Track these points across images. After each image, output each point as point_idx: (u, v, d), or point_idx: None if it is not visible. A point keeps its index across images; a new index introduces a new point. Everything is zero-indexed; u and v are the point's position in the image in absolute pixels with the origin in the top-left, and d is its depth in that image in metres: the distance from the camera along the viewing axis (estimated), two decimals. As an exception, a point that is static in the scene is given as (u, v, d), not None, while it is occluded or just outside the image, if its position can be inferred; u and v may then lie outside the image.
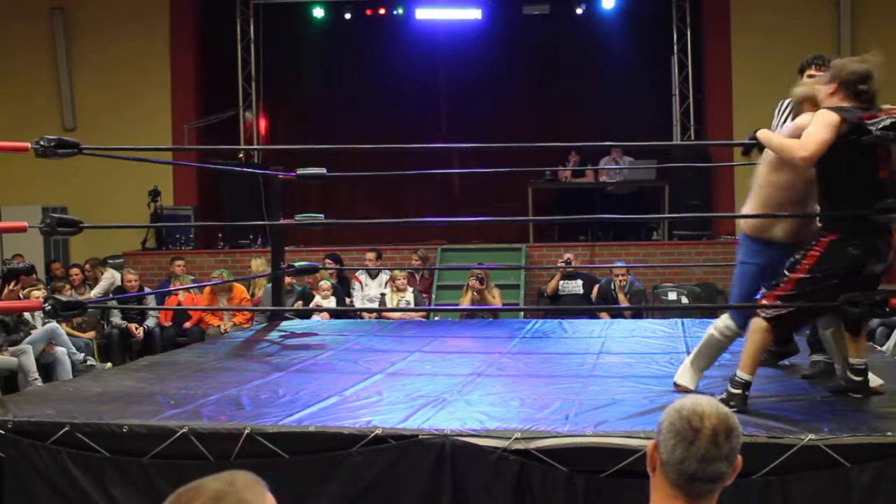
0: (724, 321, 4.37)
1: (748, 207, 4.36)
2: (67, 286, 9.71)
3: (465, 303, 9.33)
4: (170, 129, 12.74)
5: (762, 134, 4.04)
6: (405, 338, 6.71)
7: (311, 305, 9.11)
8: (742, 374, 3.99)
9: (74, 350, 8.50)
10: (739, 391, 3.96)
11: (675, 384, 4.43)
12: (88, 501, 3.76)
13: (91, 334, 9.31)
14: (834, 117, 3.78)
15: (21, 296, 7.64)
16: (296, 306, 8.73)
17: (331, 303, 9.20)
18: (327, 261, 10.29)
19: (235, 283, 9.69)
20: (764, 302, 4.00)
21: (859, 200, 3.88)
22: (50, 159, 4.57)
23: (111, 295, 10.04)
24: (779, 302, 3.96)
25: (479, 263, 10.33)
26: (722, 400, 3.80)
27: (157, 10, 12.87)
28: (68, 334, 8.64)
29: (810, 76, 4.43)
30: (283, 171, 8.55)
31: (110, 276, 10.36)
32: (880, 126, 3.76)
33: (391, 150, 5.41)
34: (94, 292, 10.12)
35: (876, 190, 3.89)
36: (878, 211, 3.83)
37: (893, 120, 3.76)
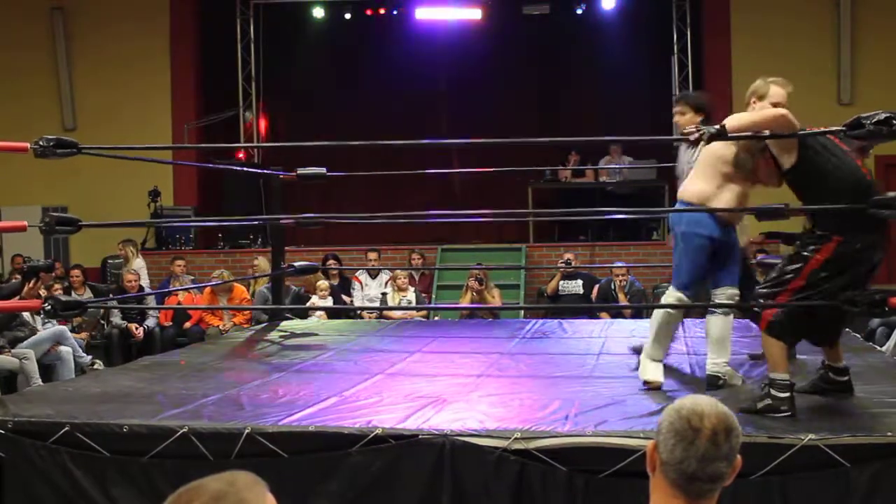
0: (674, 295, 4.52)
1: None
2: (58, 285, 9.68)
3: (465, 303, 9.33)
4: (170, 129, 12.75)
5: (730, 120, 4.11)
6: (405, 338, 6.71)
7: (310, 304, 9.11)
8: (781, 375, 3.93)
9: (82, 353, 8.49)
10: (787, 394, 3.89)
11: (644, 382, 4.47)
12: (88, 501, 3.76)
13: (84, 335, 9.30)
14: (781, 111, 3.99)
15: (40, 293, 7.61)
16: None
17: (328, 303, 9.20)
18: (331, 261, 10.30)
19: (235, 284, 9.69)
20: (766, 313, 3.97)
21: (849, 198, 3.90)
22: (49, 159, 4.57)
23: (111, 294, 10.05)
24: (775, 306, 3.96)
25: (478, 263, 10.33)
26: (769, 406, 3.83)
27: (157, 10, 12.87)
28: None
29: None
30: (283, 171, 8.55)
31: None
32: (874, 121, 3.78)
33: (391, 146, 5.45)
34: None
35: (861, 185, 3.92)
36: (875, 205, 3.83)
37: (888, 115, 3.77)
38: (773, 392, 3.90)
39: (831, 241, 3.90)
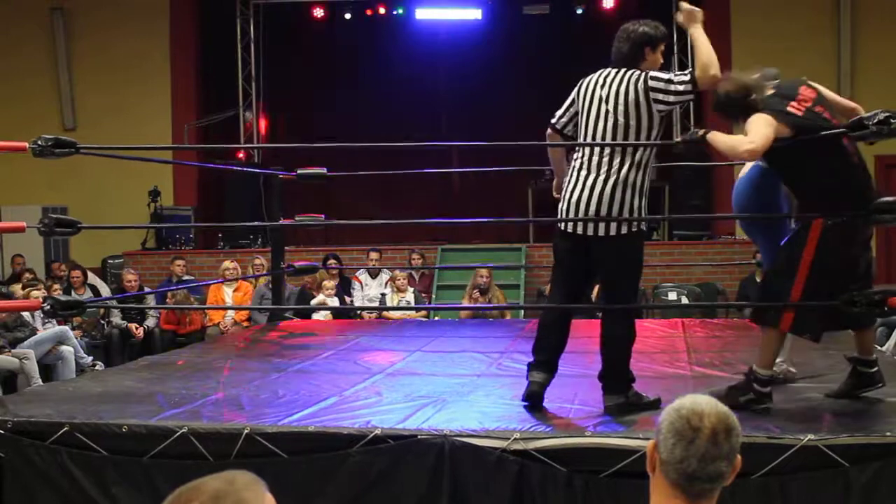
0: None
1: None
2: (57, 285, 9.69)
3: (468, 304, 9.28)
4: (170, 129, 12.73)
5: (711, 135, 4.06)
6: (405, 338, 6.71)
7: (316, 302, 9.12)
8: (764, 371, 4.00)
9: (83, 354, 8.49)
10: (768, 389, 3.98)
11: None
12: (88, 501, 3.76)
13: (77, 333, 9.30)
14: (767, 117, 3.87)
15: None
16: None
17: (334, 302, 9.22)
18: (332, 261, 10.30)
19: (242, 281, 9.72)
20: (786, 314, 3.97)
21: (839, 190, 3.91)
22: (48, 159, 4.57)
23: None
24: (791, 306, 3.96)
25: (479, 264, 10.30)
26: (751, 400, 3.90)
27: (157, 10, 12.86)
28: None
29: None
30: (283, 171, 8.55)
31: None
32: (874, 121, 3.79)
33: (392, 148, 5.43)
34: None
35: (853, 178, 3.93)
36: (876, 209, 3.84)
37: (888, 114, 3.78)
38: (756, 387, 3.98)
39: (816, 220, 3.90)
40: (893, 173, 11.10)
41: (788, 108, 3.93)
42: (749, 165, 4.63)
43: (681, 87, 3.99)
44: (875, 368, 4.22)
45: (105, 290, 10.68)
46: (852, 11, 11.81)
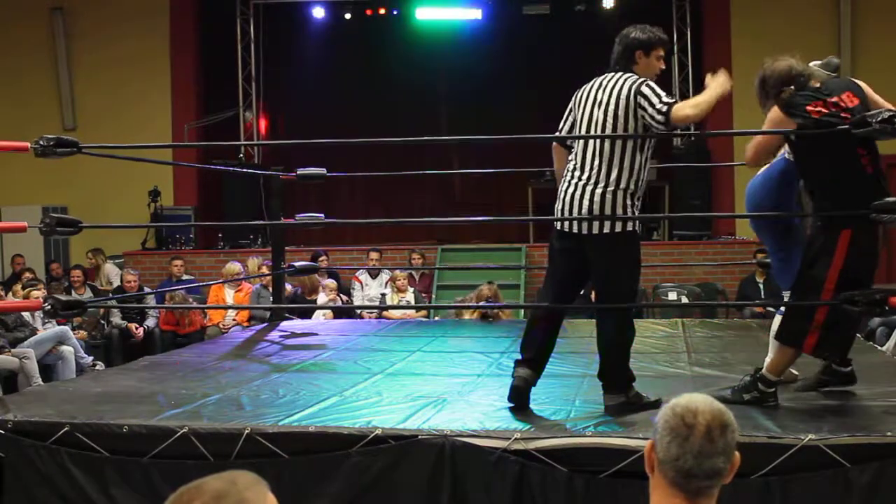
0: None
1: None
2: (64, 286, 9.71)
3: (470, 316, 9.14)
4: (170, 130, 12.75)
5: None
6: (405, 338, 6.71)
7: (320, 302, 9.12)
8: (772, 377, 4.08)
9: (84, 354, 8.49)
10: (773, 389, 4.07)
11: None
12: (88, 501, 3.76)
13: (83, 335, 9.31)
14: (781, 117, 3.92)
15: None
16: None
17: (337, 302, 9.23)
18: (322, 258, 10.29)
19: (244, 281, 9.73)
20: (810, 337, 3.99)
21: (852, 194, 3.91)
22: (49, 159, 4.57)
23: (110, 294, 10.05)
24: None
25: (480, 264, 10.28)
26: (756, 398, 4.00)
27: (157, 10, 12.87)
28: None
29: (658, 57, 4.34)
30: (283, 171, 8.55)
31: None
32: (878, 119, 3.77)
33: (392, 142, 5.45)
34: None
35: (866, 182, 3.93)
36: (877, 209, 3.83)
37: (892, 113, 3.76)
38: (760, 386, 4.04)
39: (841, 234, 3.89)
40: (893, 173, 11.11)
41: (807, 109, 3.88)
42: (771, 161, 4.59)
43: (658, 116, 3.97)
44: (849, 368, 4.28)
45: (116, 280, 10.73)
46: (852, 9, 11.82)
